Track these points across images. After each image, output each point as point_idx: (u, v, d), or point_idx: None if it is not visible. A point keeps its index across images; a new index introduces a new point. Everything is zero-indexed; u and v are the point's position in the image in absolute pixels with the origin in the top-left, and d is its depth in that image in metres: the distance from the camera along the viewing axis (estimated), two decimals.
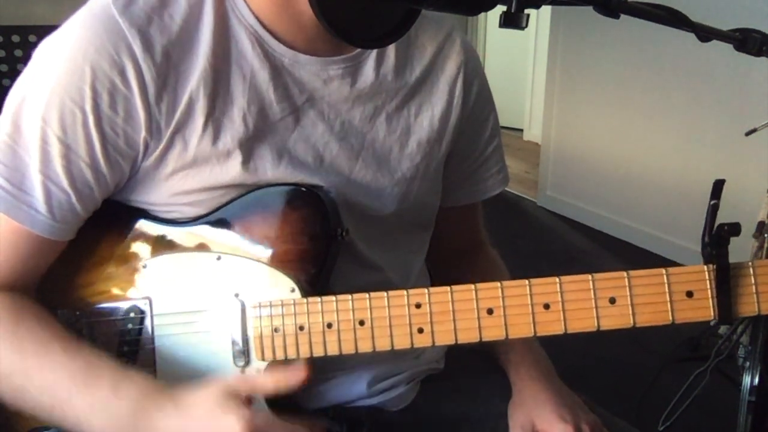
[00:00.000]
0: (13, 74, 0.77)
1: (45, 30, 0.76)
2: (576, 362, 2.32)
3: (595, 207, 3.73)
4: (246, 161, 0.78)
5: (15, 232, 0.75)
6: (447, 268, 1.05)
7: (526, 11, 0.62)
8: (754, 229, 1.74)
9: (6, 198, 0.74)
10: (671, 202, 3.25)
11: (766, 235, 1.62)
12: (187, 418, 0.70)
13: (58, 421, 0.74)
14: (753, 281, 0.73)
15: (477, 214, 1.06)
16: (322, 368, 0.87)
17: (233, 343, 0.79)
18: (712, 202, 0.73)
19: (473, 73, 0.93)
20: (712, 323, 0.72)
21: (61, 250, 0.79)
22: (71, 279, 0.82)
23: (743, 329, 1.82)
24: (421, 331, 0.76)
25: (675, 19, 0.69)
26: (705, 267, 0.73)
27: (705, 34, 0.71)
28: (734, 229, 0.71)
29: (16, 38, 1.84)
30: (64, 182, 0.75)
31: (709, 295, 0.72)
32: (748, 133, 1.86)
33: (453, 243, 1.05)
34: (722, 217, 0.73)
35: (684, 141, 3.18)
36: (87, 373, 0.74)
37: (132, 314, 0.80)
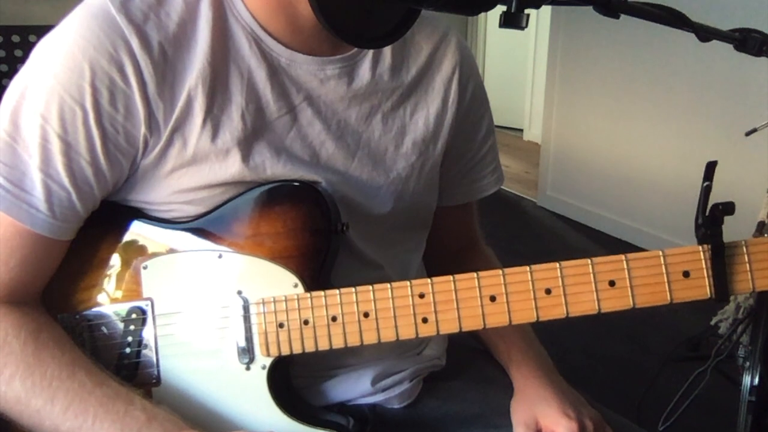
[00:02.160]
0: (13, 74, 0.77)
1: (45, 30, 0.76)
2: (576, 362, 2.32)
3: (595, 207, 3.73)
4: (245, 159, 0.78)
5: (16, 233, 0.75)
6: (442, 266, 1.04)
7: (526, 11, 0.62)
8: (754, 229, 1.74)
9: (6, 197, 0.74)
10: (671, 202, 3.25)
11: (766, 235, 1.62)
12: None
13: None
14: (747, 259, 0.74)
15: (472, 213, 1.06)
16: (326, 366, 0.88)
17: (237, 340, 0.79)
18: (705, 184, 0.74)
19: (468, 73, 0.93)
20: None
21: (63, 253, 0.79)
22: (71, 282, 0.81)
23: (743, 329, 1.82)
24: (425, 320, 0.76)
25: (675, 19, 0.69)
26: (700, 247, 0.74)
27: (705, 34, 0.71)
28: (728, 208, 0.73)
29: (16, 38, 1.84)
30: (65, 180, 0.74)
31: (705, 275, 0.74)
32: (748, 133, 1.86)
33: (448, 242, 1.05)
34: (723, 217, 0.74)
35: (684, 141, 3.18)
36: (117, 399, 0.74)
37: (133, 315, 0.80)
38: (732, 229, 0.76)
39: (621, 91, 3.49)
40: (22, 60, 0.76)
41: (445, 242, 1.04)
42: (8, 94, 0.75)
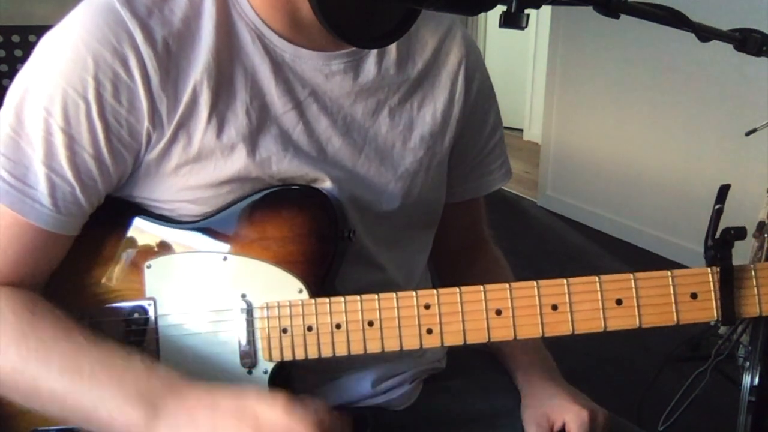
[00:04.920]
0: (13, 74, 0.77)
1: (45, 30, 0.76)
2: (577, 362, 2.32)
3: (595, 207, 3.73)
4: (250, 154, 0.78)
5: (20, 226, 0.75)
6: (450, 265, 1.05)
7: (526, 11, 0.62)
8: (754, 229, 1.74)
9: (10, 192, 0.74)
10: (671, 202, 3.25)
11: (766, 235, 1.63)
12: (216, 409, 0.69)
13: (71, 409, 0.71)
14: (755, 283, 0.74)
15: (480, 209, 1.06)
16: (327, 369, 0.87)
17: (240, 344, 0.78)
18: (717, 207, 0.74)
19: (474, 67, 0.93)
20: (712, 323, 0.73)
21: (67, 248, 0.79)
22: (74, 279, 0.81)
23: (743, 329, 1.82)
24: (430, 331, 0.76)
25: (675, 19, 0.69)
26: (709, 269, 0.74)
27: (705, 34, 0.71)
28: (740, 233, 0.73)
29: (16, 38, 1.85)
30: (68, 174, 0.74)
31: (713, 297, 0.74)
32: (748, 133, 1.87)
33: (456, 239, 1.05)
34: (722, 217, 0.74)
35: (684, 141, 3.18)
36: (114, 355, 0.72)
37: (136, 315, 0.80)
38: None
39: (621, 91, 3.49)
40: (22, 60, 0.76)
41: (454, 240, 1.04)
42: (12, 88, 0.76)
